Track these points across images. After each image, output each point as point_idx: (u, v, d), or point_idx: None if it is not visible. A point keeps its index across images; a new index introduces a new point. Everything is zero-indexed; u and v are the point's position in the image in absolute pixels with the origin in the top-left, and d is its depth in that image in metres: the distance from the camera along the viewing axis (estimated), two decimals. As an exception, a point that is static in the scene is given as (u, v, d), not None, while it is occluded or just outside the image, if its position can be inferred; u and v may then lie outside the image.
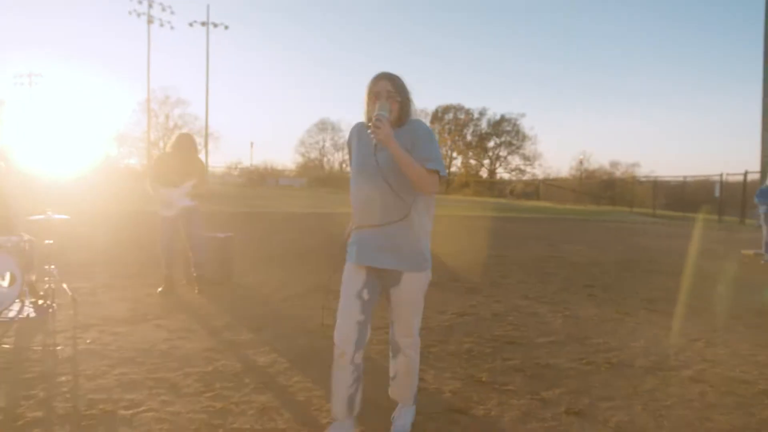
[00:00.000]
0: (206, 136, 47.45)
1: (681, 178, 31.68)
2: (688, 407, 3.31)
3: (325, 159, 73.72)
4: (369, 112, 2.51)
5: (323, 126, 71.91)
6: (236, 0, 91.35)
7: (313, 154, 73.80)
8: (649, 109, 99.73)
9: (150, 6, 41.26)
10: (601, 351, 4.39)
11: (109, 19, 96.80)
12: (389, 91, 2.50)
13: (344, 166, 69.94)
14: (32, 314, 4.91)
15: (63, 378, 3.47)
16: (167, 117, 59.47)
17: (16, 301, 4.88)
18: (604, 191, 46.03)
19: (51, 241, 5.44)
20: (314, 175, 70.73)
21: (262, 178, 69.12)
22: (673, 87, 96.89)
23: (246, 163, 74.45)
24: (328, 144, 72.12)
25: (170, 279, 6.15)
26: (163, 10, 42.23)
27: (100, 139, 56.69)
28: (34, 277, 5.32)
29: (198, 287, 6.23)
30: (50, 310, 4.95)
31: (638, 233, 17.04)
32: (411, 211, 2.51)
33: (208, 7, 46.23)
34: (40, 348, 4.07)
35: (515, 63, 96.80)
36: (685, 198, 30.67)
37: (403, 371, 2.80)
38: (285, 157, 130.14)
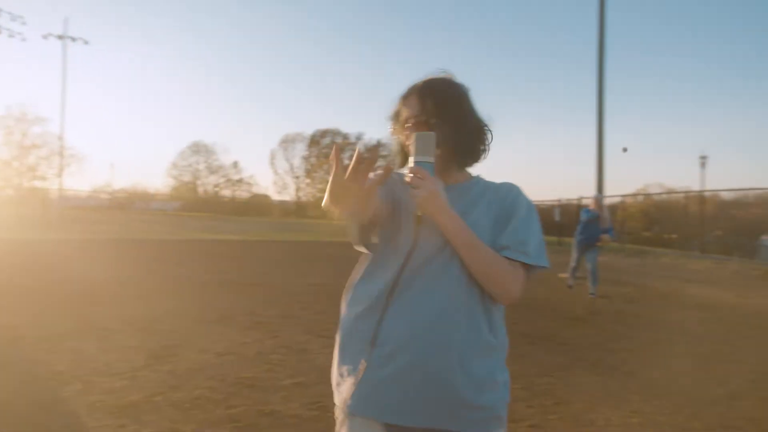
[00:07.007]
0: (62, 156, 44.42)
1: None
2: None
3: (199, 182, 71.10)
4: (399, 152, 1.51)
5: (197, 148, 69.55)
6: (97, 15, 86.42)
7: (186, 177, 70.94)
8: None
9: (-4, 15, 37.95)
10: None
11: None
12: (417, 117, 1.38)
13: (217, 189, 68.20)
14: None
15: None
16: (23, 134, 54.01)
17: None
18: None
19: None
20: (188, 198, 68.26)
21: (130, 201, 65.66)
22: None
23: (116, 185, 70.31)
24: (202, 167, 69.79)
25: None
26: (13, 19, 39.00)
27: None
28: None
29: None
30: None
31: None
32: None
33: (65, 19, 43.54)
34: None
35: None
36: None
37: None
38: (156, 179, 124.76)
